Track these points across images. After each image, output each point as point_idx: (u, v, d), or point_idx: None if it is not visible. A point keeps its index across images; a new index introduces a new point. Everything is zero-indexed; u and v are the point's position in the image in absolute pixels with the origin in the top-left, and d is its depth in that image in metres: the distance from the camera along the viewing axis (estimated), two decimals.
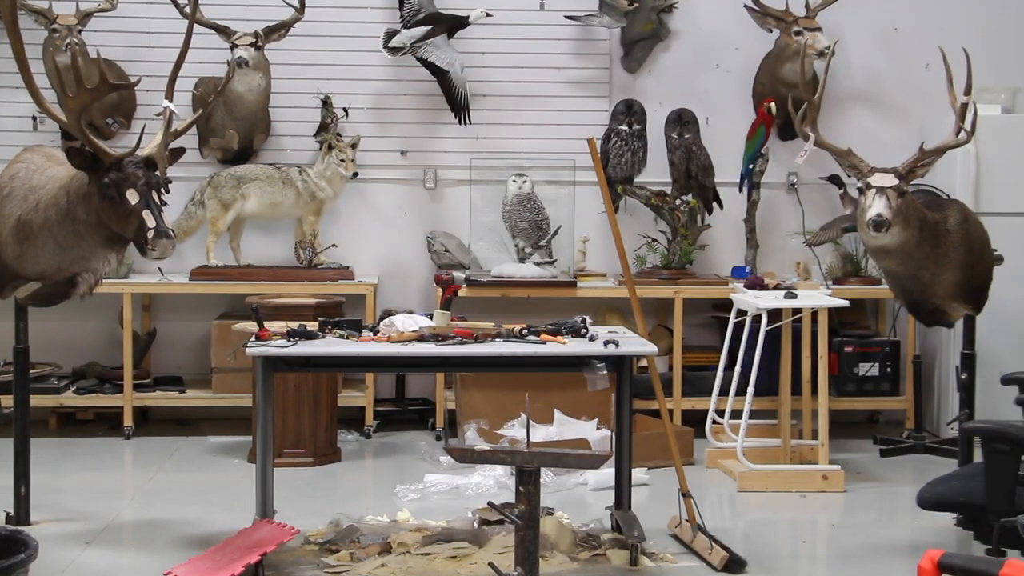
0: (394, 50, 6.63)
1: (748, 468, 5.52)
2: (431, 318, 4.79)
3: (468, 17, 6.60)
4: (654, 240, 6.72)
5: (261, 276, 6.49)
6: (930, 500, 4.08)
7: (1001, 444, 3.69)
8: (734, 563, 4.37)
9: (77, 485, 5.59)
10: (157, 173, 4.12)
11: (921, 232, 4.92)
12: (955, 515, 4.27)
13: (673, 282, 6.54)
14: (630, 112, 6.65)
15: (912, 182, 4.92)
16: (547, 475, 5.46)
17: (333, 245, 6.72)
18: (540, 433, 5.90)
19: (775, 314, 5.63)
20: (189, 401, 6.58)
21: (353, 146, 6.57)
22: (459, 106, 6.62)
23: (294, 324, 4.68)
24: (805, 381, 5.87)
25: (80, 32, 6.37)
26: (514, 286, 6.49)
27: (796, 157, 5.71)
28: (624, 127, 6.61)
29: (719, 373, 5.96)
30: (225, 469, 5.93)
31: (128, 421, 6.43)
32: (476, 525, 4.74)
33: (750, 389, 5.56)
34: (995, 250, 5.34)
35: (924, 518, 4.60)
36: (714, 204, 6.77)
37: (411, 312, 5.26)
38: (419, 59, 6.61)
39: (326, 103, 6.69)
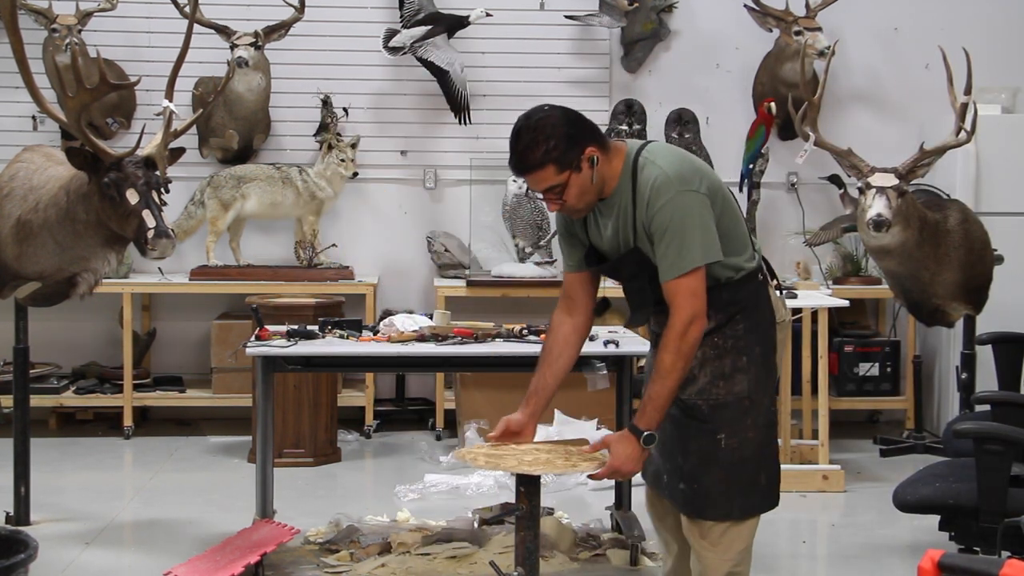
0: (394, 50, 6.63)
1: None
2: (431, 318, 4.79)
3: (468, 17, 6.60)
4: None
5: (261, 276, 6.48)
6: (915, 503, 4.03)
7: (994, 444, 3.68)
8: None
9: (77, 485, 5.59)
10: (157, 173, 4.12)
11: (921, 232, 4.91)
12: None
13: None
14: (630, 112, 6.65)
15: (912, 182, 4.92)
16: (547, 475, 5.45)
17: (333, 245, 6.72)
18: (540, 433, 5.88)
19: None
20: (189, 401, 6.58)
21: (353, 146, 6.56)
22: (459, 106, 6.61)
23: (294, 324, 4.68)
24: (805, 381, 5.87)
25: (80, 32, 6.37)
26: (514, 286, 6.48)
27: (796, 157, 5.72)
28: (624, 127, 6.61)
29: None
30: (225, 469, 5.93)
31: (128, 421, 6.42)
32: (476, 525, 4.73)
33: None
34: (995, 250, 5.34)
35: (924, 518, 4.59)
36: None
37: (411, 312, 5.26)
38: (419, 59, 6.61)
39: (326, 103, 6.68)
